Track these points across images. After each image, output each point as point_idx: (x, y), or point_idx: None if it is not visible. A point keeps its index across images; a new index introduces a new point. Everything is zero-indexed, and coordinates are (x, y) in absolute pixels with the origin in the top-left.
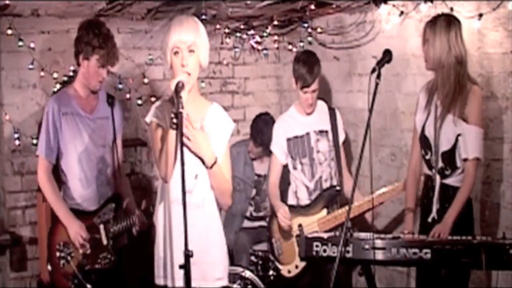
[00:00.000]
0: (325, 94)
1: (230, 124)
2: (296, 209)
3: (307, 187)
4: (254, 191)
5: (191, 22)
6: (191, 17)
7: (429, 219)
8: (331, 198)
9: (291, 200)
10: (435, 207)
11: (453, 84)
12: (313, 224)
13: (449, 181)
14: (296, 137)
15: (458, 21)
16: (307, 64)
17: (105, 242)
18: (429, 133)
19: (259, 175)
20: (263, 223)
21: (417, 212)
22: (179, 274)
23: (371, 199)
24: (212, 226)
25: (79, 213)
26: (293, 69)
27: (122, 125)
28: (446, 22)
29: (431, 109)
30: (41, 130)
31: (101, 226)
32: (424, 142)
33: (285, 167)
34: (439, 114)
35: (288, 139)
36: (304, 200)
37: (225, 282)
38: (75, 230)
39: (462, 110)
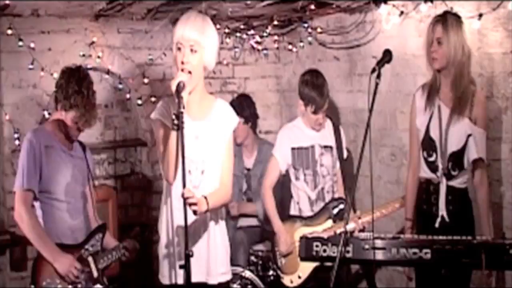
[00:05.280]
0: None
1: (234, 119)
2: (299, 220)
3: (309, 197)
4: (245, 186)
5: (198, 21)
6: (200, 15)
7: (437, 224)
8: (337, 210)
9: (293, 211)
10: (442, 211)
11: (465, 83)
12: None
13: (454, 183)
14: (301, 148)
15: (462, 20)
16: (316, 86)
17: (95, 274)
18: (435, 134)
19: (248, 169)
20: (254, 222)
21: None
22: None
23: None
24: (216, 222)
25: (65, 248)
26: (301, 92)
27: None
28: (455, 19)
29: (434, 110)
30: (19, 164)
31: (90, 259)
32: (429, 144)
33: (286, 176)
34: (447, 115)
35: (293, 149)
36: (306, 210)
37: (229, 276)
38: (67, 265)
39: (470, 112)
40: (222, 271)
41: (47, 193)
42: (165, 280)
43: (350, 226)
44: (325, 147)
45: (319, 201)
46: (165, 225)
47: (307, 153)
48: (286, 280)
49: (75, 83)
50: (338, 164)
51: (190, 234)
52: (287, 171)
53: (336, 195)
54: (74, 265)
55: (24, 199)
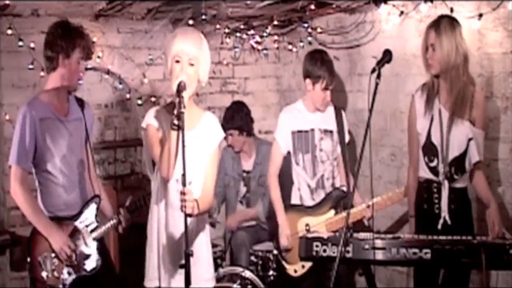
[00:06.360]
0: None
1: (219, 133)
2: (302, 209)
3: (309, 185)
4: (244, 189)
5: (196, 36)
6: (197, 31)
7: (439, 226)
8: (338, 199)
9: (295, 199)
10: (444, 213)
11: (462, 85)
12: (321, 224)
13: (456, 184)
14: (300, 131)
15: (458, 22)
16: (326, 63)
17: (89, 245)
18: (436, 139)
19: (248, 172)
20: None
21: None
22: (173, 275)
23: (371, 205)
24: (200, 229)
25: (60, 220)
26: (309, 70)
27: (92, 126)
28: (449, 23)
29: (434, 113)
30: (14, 138)
31: (84, 230)
32: (430, 149)
33: (286, 160)
34: (447, 119)
35: (293, 132)
36: (307, 199)
37: (213, 283)
38: (61, 242)
39: (470, 113)
40: (206, 277)
41: (42, 168)
42: (151, 284)
43: (355, 210)
44: (325, 131)
45: (319, 190)
46: (156, 226)
47: (306, 136)
48: (290, 270)
49: (68, 29)
50: (339, 149)
51: (175, 239)
52: (288, 153)
53: (337, 181)
54: (67, 244)
55: (18, 175)
